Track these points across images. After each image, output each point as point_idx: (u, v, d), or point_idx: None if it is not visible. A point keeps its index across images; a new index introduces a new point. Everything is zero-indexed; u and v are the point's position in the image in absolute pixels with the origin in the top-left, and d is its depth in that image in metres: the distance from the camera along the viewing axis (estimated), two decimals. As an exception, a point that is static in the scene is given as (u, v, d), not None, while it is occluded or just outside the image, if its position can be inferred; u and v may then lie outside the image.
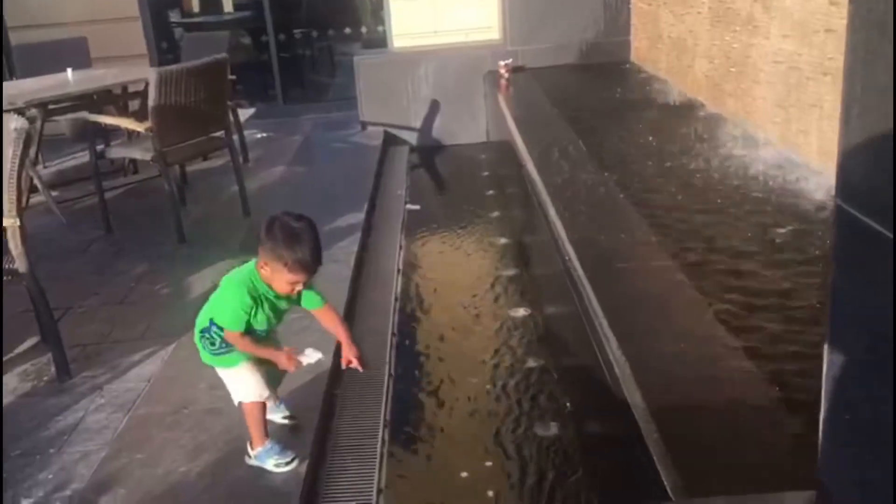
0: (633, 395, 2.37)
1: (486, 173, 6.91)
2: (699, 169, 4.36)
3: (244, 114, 6.71)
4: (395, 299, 4.18)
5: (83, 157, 6.27)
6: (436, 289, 4.61)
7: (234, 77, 5.83)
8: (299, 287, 2.39)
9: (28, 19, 7.67)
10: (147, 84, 4.90)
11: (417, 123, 7.73)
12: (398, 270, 4.57)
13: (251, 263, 2.43)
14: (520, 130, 5.53)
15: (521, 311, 4.16)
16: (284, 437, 2.70)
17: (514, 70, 7.36)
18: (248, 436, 2.59)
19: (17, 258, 3.13)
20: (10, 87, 5.70)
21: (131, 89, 5.95)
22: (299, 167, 6.49)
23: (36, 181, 5.21)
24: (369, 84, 7.66)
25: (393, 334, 3.78)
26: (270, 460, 2.57)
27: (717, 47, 5.49)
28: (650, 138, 5.08)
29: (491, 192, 6.34)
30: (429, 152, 7.69)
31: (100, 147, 5.42)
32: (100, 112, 5.52)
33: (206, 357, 2.54)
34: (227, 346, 2.47)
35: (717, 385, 2.37)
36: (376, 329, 3.76)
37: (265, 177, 6.18)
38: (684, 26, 6.18)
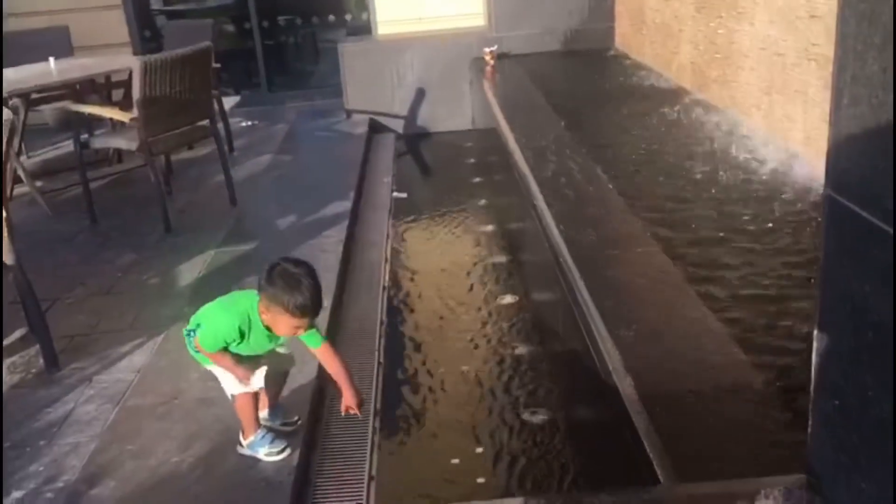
0: (623, 382, 2.38)
1: (471, 160, 6.92)
2: (681, 155, 4.38)
3: (228, 102, 6.68)
4: (383, 288, 4.18)
5: (66, 146, 6.24)
6: (423, 277, 4.62)
7: (218, 65, 5.80)
8: (301, 331, 2.43)
9: (9, 8, 7.58)
10: (131, 73, 4.87)
11: (403, 111, 7.72)
12: (385, 259, 4.57)
13: (254, 297, 2.43)
14: (505, 117, 5.53)
15: (509, 298, 4.18)
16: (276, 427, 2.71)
17: (500, 57, 7.36)
18: (240, 425, 2.60)
19: (4, 250, 3.11)
20: (-9, 76, 5.64)
21: (115, 78, 5.90)
22: (285, 156, 6.46)
23: (20, 172, 5.17)
24: (354, 71, 7.63)
25: (381, 322, 3.78)
26: (262, 449, 2.57)
27: (703, 33, 5.51)
28: (634, 125, 5.10)
29: (477, 179, 6.35)
30: (414, 140, 7.69)
31: (83, 137, 5.38)
32: (83, 102, 5.47)
33: (190, 351, 2.56)
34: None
35: (706, 370, 2.39)
36: (365, 317, 3.77)
37: (251, 165, 6.16)
38: (669, 12, 6.19)
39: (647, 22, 6.75)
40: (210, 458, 2.57)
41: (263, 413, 2.68)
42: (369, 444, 2.80)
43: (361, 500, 2.54)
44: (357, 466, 2.67)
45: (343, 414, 2.58)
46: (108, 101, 5.84)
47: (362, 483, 2.60)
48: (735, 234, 3.35)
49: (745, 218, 3.50)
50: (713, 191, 3.85)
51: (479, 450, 3.01)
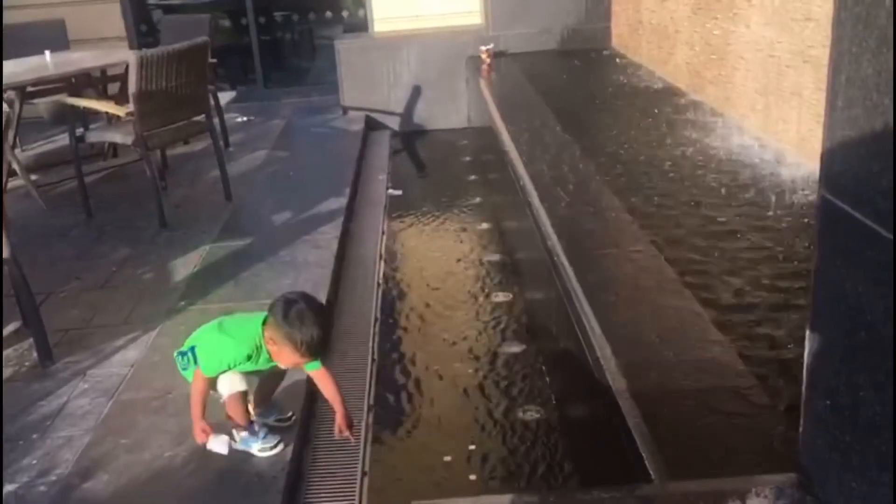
0: (616, 379, 2.39)
1: (467, 158, 6.93)
2: (677, 156, 4.39)
3: (224, 97, 6.68)
4: (378, 284, 4.19)
5: (61, 140, 6.23)
6: (418, 273, 4.63)
7: (214, 60, 5.79)
8: (303, 364, 2.48)
9: (6, 0, 7.55)
10: (127, 67, 4.86)
11: (399, 108, 7.72)
12: (380, 255, 4.58)
13: (259, 325, 2.46)
14: (501, 115, 5.54)
15: (502, 296, 4.19)
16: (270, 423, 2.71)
17: (496, 55, 7.36)
18: (233, 423, 2.60)
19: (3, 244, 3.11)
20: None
21: (110, 72, 5.89)
22: (280, 152, 6.46)
23: (14, 165, 5.16)
24: (350, 68, 7.63)
25: (376, 319, 3.79)
26: (256, 445, 2.58)
27: (699, 34, 5.52)
28: (631, 125, 5.10)
29: (472, 177, 6.36)
30: (410, 137, 7.69)
31: (78, 131, 5.37)
32: (79, 95, 5.46)
33: (180, 370, 2.61)
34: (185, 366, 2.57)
35: (699, 368, 2.40)
36: (359, 313, 3.78)
37: (246, 161, 6.15)
38: (665, 13, 6.20)
39: (644, 22, 6.76)
40: (203, 453, 2.57)
41: (257, 411, 2.69)
42: (362, 440, 2.81)
43: (354, 495, 2.55)
44: (350, 462, 2.68)
45: (336, 436, 2.63)
46: (103, 95, 5.83)
47: (355, 478, 2.61)
48: (731, 233, 3.36)
49: (739, 218, 3.51)
50: (709, 190, 3.86)
51: (472, 447, 3.01)
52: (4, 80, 4.98)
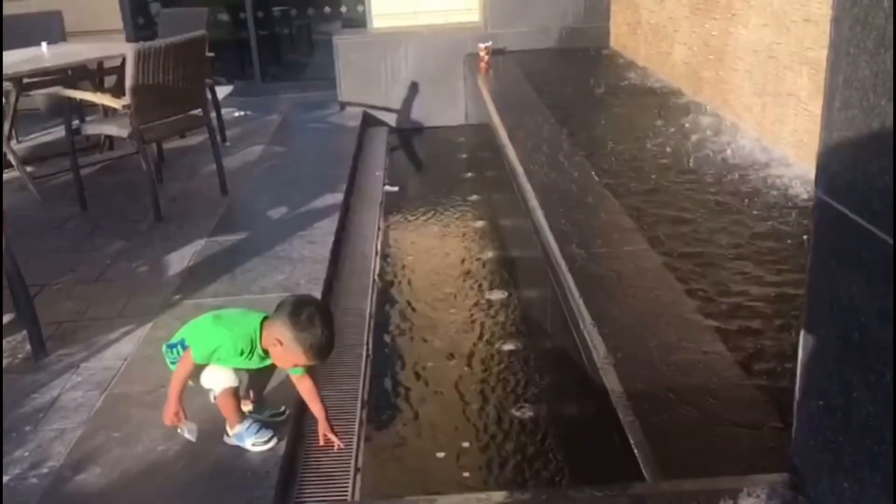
0: (609, 378, 2.40)
1: (464, 155, 6.93)
2: (673, 154, 4.40)
3: (222, 91, 6.66)
4: (374, 281, 4.19)
5: (57, 132, 6.21)
6: (414, 270, 4.63)
7: (212, 54, 5.78)
8: (299, 366, 2.48)
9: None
10: (124, 60, 4.85)
11: (397, 105, 7.72)
12: (376, 252, 4.58)
13: (258, 323, 2.45)
14: (499, 113, 5.53)
15: (498, 294, 4.19)
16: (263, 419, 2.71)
17: (494, 53, 7.36)
18: (226, 419, 2.60)
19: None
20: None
21: (107, 65, 5.87)
22: (277, 147, 6.45)
23: (10, 157, 5.15)
24: (348, 64, 7.62)
25: (371, 315, 3.79)
26: (249, 440, 2.57)
27: (697, 35, 5.52)
28: (627, 124, 5.11)
29: (469, 174, 6.36)
30: (408, 134, 7.69)
31: (74, 123, 5.35)
32: (75, 87, 5.45)
33: (168, 364, 2.60)
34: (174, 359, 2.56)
35: (693, 368, 2.40)
36: (354, 310, 3.77)
37: (243, 156, 6.14)
38: (664, 13, 6.20)
39: (643, 22, 6.77)
40: (196, 448, 2.56)
41: (249, 408, 2.68)
42: (356, 436, 2.81)
43: (347, 491, 2.55)
44: (343, 458, 2.67)
45: (322, 444, 2.65)
46: (100, 88, 5.81)
47: (348, 474, 2.61)
48: (728, 234, 3.36)
49: (735, 217, 3.51)
50: (705, 188, 3.87)
51: (466, 444, 3.01)
52: (1, 71, 4.97)
